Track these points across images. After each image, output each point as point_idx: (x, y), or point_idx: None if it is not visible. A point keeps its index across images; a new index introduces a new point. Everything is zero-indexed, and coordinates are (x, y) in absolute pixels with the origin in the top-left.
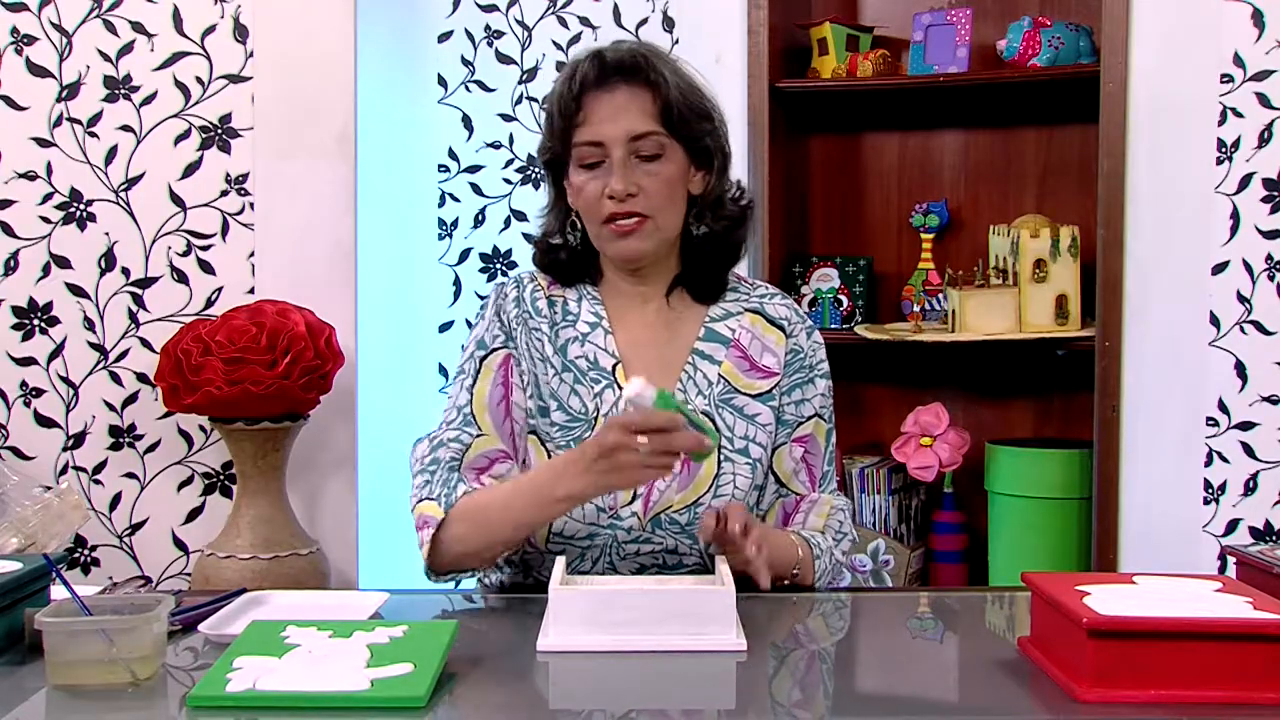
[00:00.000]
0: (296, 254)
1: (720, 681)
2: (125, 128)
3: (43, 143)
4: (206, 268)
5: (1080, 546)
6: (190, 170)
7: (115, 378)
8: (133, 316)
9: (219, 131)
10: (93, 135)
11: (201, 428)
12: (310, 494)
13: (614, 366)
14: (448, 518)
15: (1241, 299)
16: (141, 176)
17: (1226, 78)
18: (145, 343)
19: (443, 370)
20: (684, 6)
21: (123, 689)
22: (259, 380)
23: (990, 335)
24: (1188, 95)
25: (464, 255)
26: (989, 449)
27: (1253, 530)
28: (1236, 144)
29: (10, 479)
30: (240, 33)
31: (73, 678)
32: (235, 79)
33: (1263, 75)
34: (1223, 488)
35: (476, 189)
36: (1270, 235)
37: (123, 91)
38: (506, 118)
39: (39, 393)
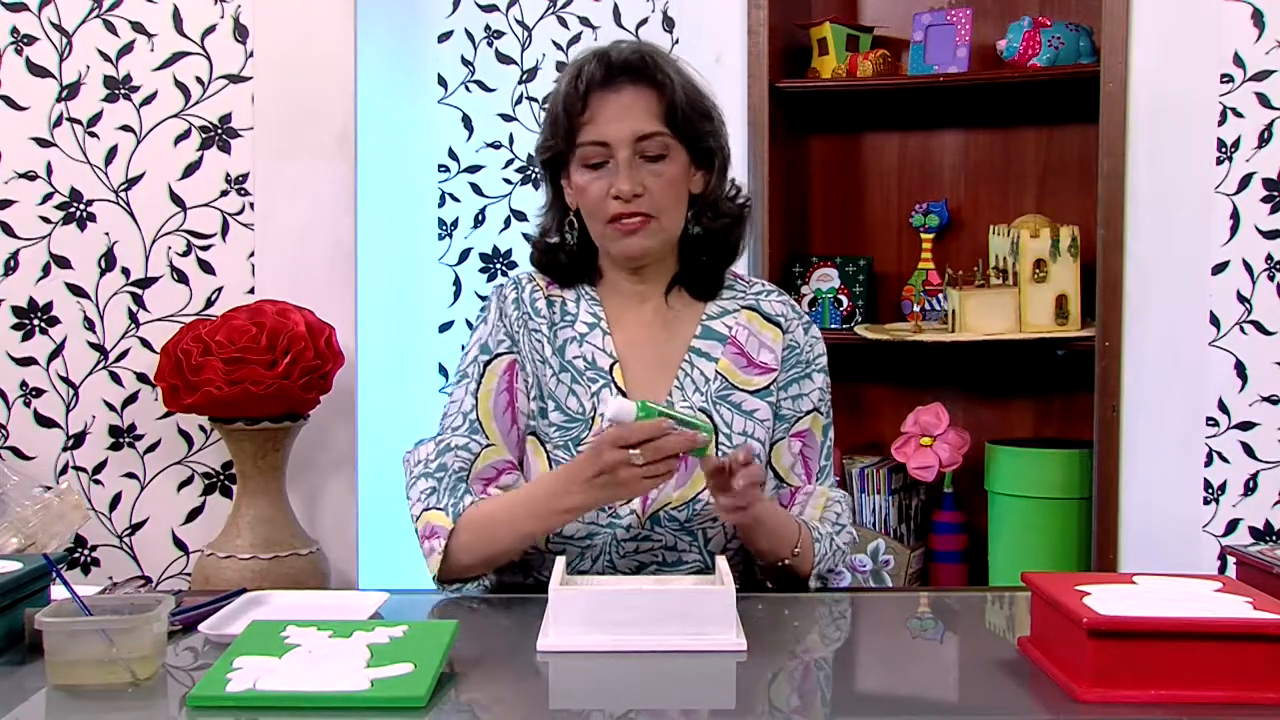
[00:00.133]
0: (296, 254)
1: (720, 681)
2: (125, 128)
3: (43, 143)
4: (206, 268)
5: (1080, 546)
6: (190, 170)
7: (115, 378)
8: (133, 316)
9: (219, 131)
10: (93, 135)
11: (201, 428)
12: (310, 494)
13: (611, 366)
14: (455, 528)
15: (1241, 299)
16: (141, 176)
17: (1226, 78)
18: (145, 343)
19: (443, 370)
20: (684, 6)
21: (123, 689)
22: (259, 380)
23: (990, 335)
24: (1188, 95)
25: (464, 255)
26: (989, 449)
27: (1253, 530)
28: (1236, 144)
29: (10, 479)
30: (240, 33)
31: (73, 678)
32: (235, 79)
33: (1263, 75)
34: (1223, 488)
35: (476, 189)
36: (1270, 235)
37: (123, 91)
38: (506, 118)
39: (39, 393)
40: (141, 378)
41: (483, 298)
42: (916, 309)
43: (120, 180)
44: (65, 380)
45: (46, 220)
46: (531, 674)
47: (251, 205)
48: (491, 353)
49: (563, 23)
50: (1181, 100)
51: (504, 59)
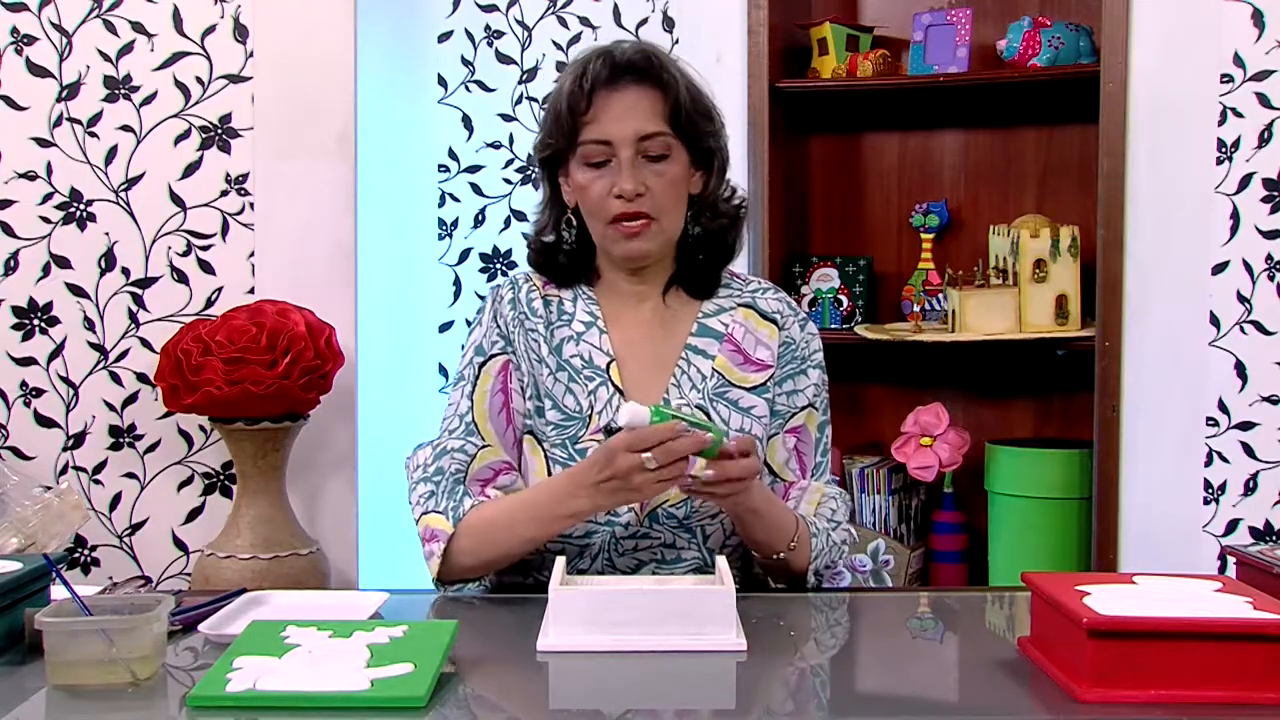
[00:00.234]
0: (296, 254)
1: (720, 681)
2: (125, 128)
3: (43, 143)
4: (206, 268)
5: (1080, 546)
6: (190, 170)
7: (115, 378)
8: (133, 316)
9: (219, 131)
10: (93, 135)
11: (201, 428)
12: (310, 494)
13: (608, 365)
14: (456, 532)
15: (1241, 299)
16: (141, 176)
17: (1226, 78)
18: (145, 343)
19: (443, 370)
20: (684, 6)
21: (123, 689)
22: (259, 380)
23: (990, 335)
24: (1188, 95)
25: (464, 255)
26: (989, 449)
27: (1253, 530)
28: (1236, 144)
29: (10, 479)
30: (240, 33)
31: (73, 678)
32: (235, 79)
33: (1263, 75)
34: (1223, 488)
35: (476, 189)
36: (1270, 235)
37: (123, 91)
38: (506, 118)
39: (39, 393)
40: (141, 378)
41: (483, 298)
42: (916, 309)
43: (120, 180)
44: (65, 380)
45: (46, 220)
46: (531, 674)
47: (251, 205)
48: (486, 354)
49: (563, 23)
50: (1181, 100)
51: (504, 59)
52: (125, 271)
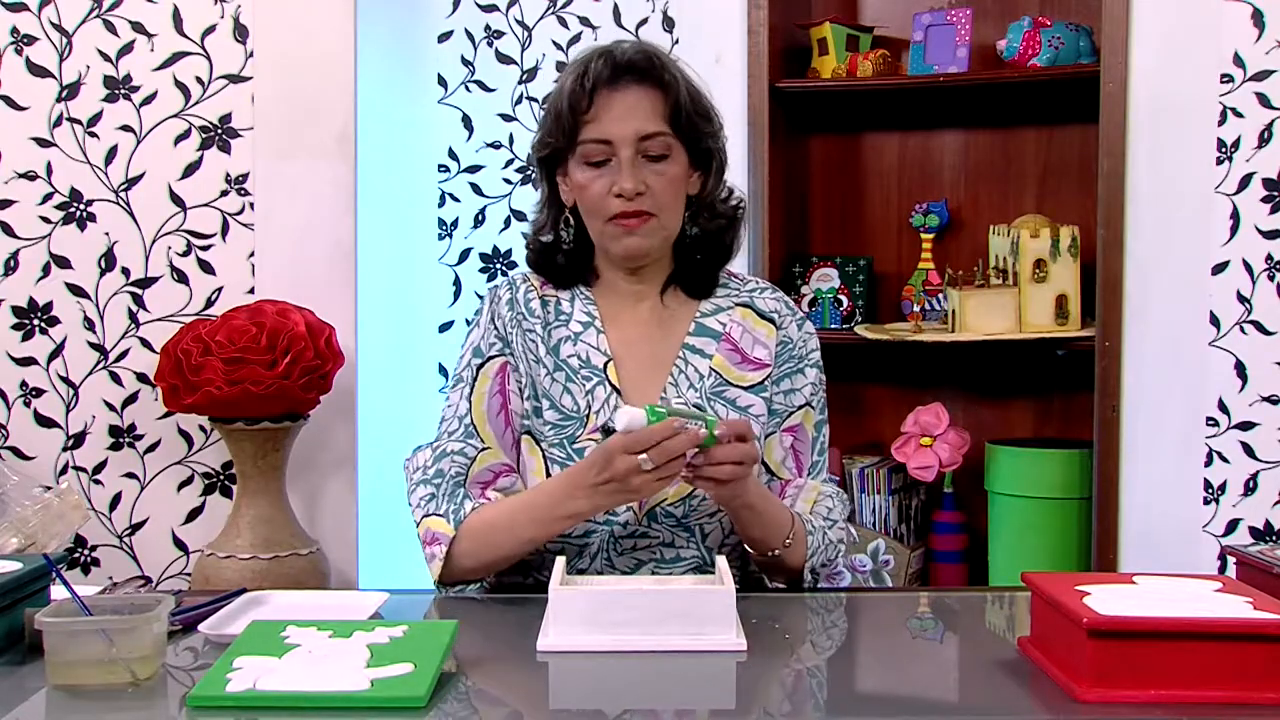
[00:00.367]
0: (296, 254)
1: (720, 681)
2: (125, 128)
3: (43, 143)
4: (206, 268)
5: (1080, 546)
6: (190, 170)
7: (115, 378)
8: (133, 316)
9: (219, 131)
10: (93, 135)
11: (201, 428)
12: (310, 494)
13: (606, 364)
14: (456, 535)
15: (1241, 299)
16: (141, 176)
17: (1226, 78)
18: (145, 343)
19: (443, 370)
20: (684, 6)
21: (123, 689)
22: (259, 380)
23: (990, 335)
24: (1188, 95)
25: (464, 255)
26: (989, 449)
27: (1253, 530)
28: (1236, 144)
29: (10, 479)
30: (240, 33)
31: (73, 678)
32: (235, 79)
33: (1263, 75)
34: (1223, 488)
35: (476, 189)
36: (1270, 235)
37: (123, 91)
38: (506, 118)
39: (39, 393)
40: (141, 378)
41: (482, 298)
42: (916, 309)
43: (120, 180)
44: (65, 380)
45: (46, 220)
46: (531, 674)
47: (251, 205)
48: (484, 355)
49: (563, 23)
50: (1181, 100)
51: (504, 59)
52: (125, 271)
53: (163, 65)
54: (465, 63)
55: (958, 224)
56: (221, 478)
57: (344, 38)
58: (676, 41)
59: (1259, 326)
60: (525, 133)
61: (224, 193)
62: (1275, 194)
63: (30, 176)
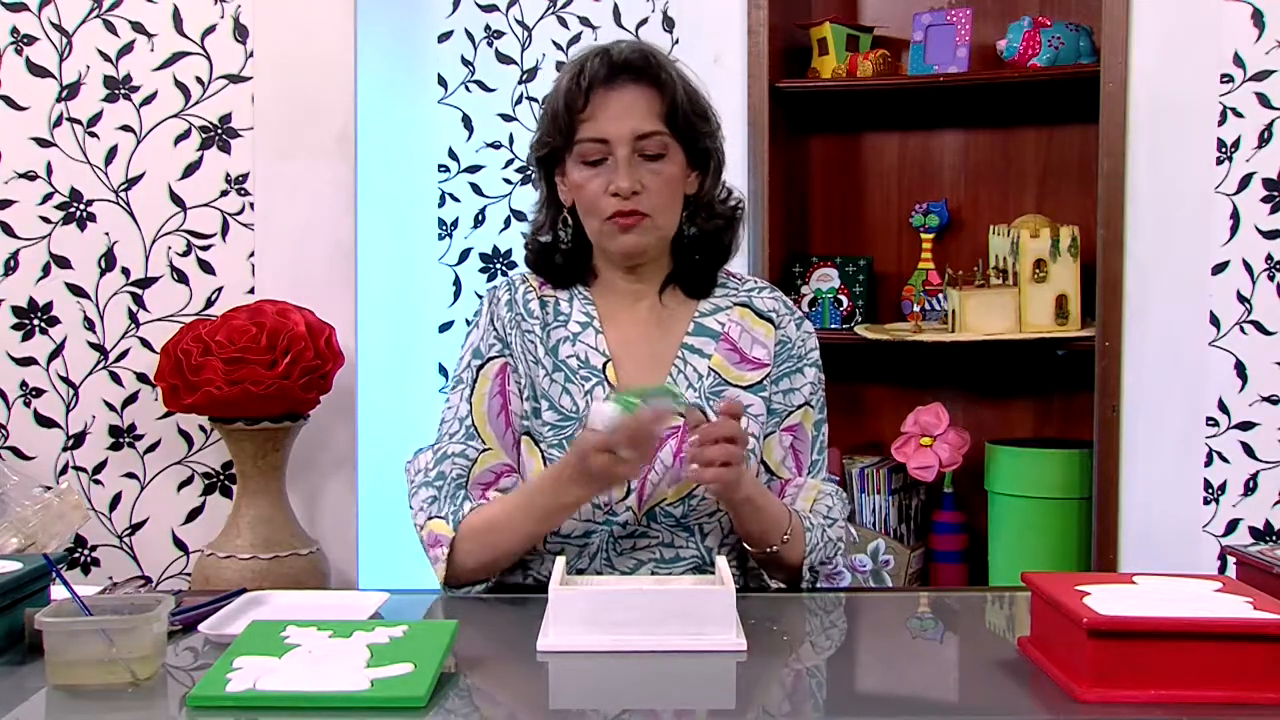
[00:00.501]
0: (296, 254)
1: (720, 681)
2: (125, 128)
3: (43, 143)
4: (206, 268)
5: (1080, 546)
6: (190, 170)
7: (115, 378)
8: (133, 316)
9: (219, 131)
10: (93, 135)
11: (201, 428)
12: (310, 494)
13: (605, 364)
14: (457, 536)
15: (1241, 299)
16: (141, 176)
17: (1226, 78)
18: (145, 343)
19: (443, 370)
20: (684, 6)
21: (123, 689)
22: (259, 380)
23: (990, 335)
24: (1188, 95)
25: (464, 255)
26: (989, 449)
27: (1253, 530)
28: (1236, 144)
29: (10, 479)
30: (240, 33)
31: (73, 678)
32: (235, 79)
33: (1263, 75)
34: (1223, 488)
35: (476, 189)
36: (1270, 235)
37: (123, 91)
38: (506, 118)
39: (39, 393)
40: (141, 378)
41: (482, 298)
42: (916, 309)
43: (120, 180)
44: (65, 380)
45: (46, 220)
46: (531, 674)
47: (251, 205)
48: (484, 357)
49: (563, 23)
50: (1181, 100)
51: (504, 59)
52: (125, 271)
53: (163, 65)
54: (465, 63)
55: (958, 224)
56: (221, 478)
57: (344, 38)
58: (676, 41)
59: (1259, 326)
60: (525, 133)
61: (224, 193)
62: (1275, 194)
63: (30, 176)
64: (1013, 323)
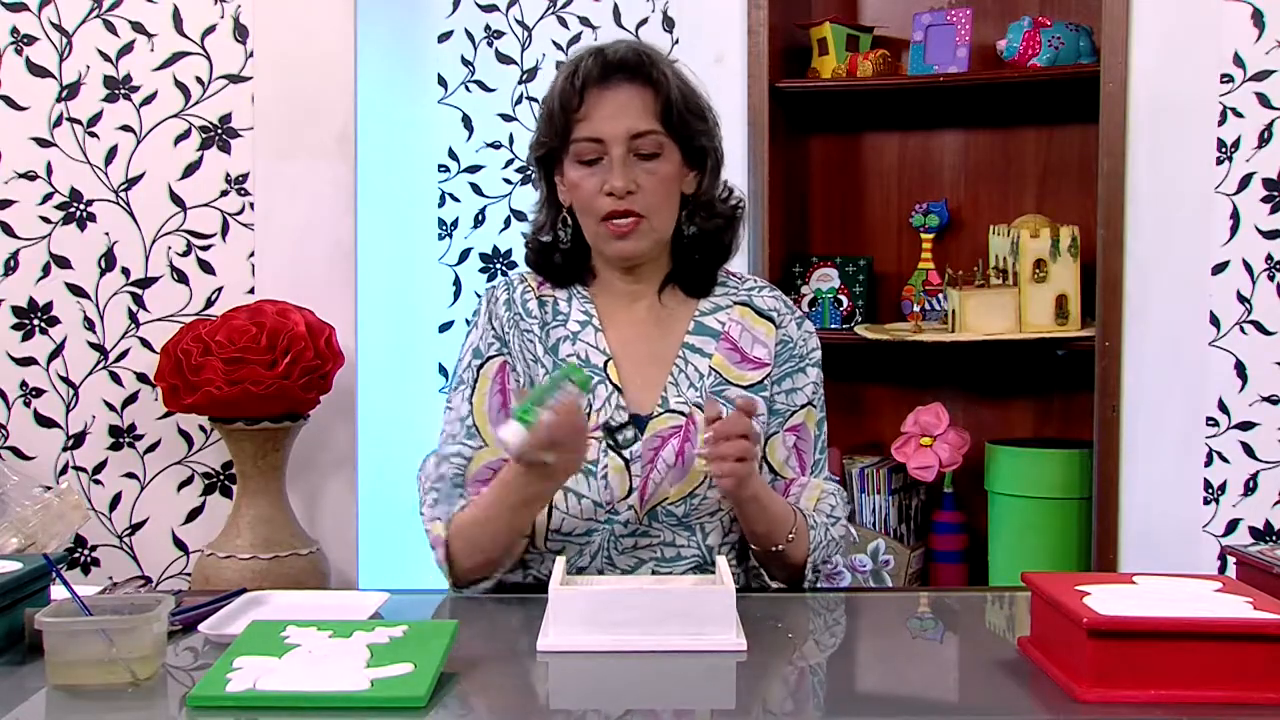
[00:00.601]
0: (296, 254)
1: (720, 681)
2: (125, 128)
3: (43, 143)
4: (206, 268)
5: (1080, 546)
6: (190, 170)
7: (115, 378)
8: (133, 316)
9: (219, 131)
10: (93, 135)
11: (201, 428)
12: (310, 494)
13: (605, 364)
14: (450, 535)
15: (1241, 299)
16: (141, 176)
17: (1226, 78)
18: (145, 343)
19: (443, 370)
20: (684, 6)
21: (123, 689)
22: (259, 380)
23: (990, 335)
24: (1188, 95)
25: (464, 255)
26: (989, 449)
27: (1253, 530)
28: (1236, 144)
29: (10, 479)
30: (240, 33)
31: (73, 678)
32: (235, 79)
33: (1263, 75)
34: (1223, 488)
35: (476, 189)
36: (1270, 235)
37: (123, 91)
38: (506, 118)
39: (39, 393)
40: (141, 378)
41: (481, 298)
42: (916, 309)
43: (120, 180)
44: (65, 380)
45: (46, 220)
46: (531, 674)
47: (251, 205)
48: (483, 356)
49: (563, 23)
50: (1181, 100)
51: (504, 59)
52: (125, 271)
53: (163, 65)
54: (465, 63)
55: (958, 224)
56: (221, 478)
57: (344, 38)
58: (676, 41)
59: (1259, 326)
60: (525, 133)
61: (224, 193)
62: (1275, 194)
63: (30, 176)
64: (1013, 323)
